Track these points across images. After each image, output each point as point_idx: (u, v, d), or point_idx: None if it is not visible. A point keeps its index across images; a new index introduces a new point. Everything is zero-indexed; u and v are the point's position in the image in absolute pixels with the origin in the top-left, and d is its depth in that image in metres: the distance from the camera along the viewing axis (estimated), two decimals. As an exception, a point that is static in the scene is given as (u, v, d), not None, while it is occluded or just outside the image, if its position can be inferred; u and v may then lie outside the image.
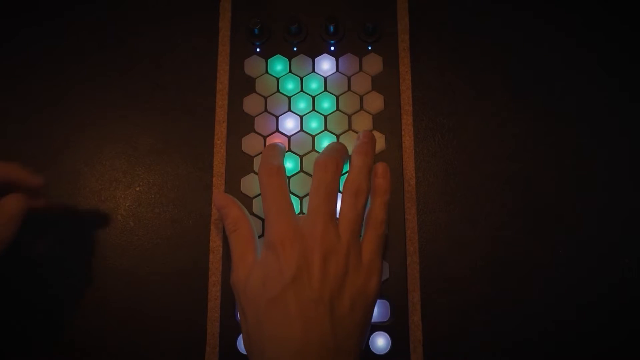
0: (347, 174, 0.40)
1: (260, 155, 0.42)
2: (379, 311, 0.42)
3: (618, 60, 0.48)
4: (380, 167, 0.40)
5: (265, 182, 0.38)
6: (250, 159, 0.44)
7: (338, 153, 0.40)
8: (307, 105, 0.45)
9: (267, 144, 0.44)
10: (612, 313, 0.43)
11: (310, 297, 0.34)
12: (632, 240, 0.44)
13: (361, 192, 0.38)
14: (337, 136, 0.44)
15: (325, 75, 0.46)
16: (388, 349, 0.41)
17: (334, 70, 0.46)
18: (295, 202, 0.43)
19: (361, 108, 0.45)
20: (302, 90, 0.46)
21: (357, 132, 0.45)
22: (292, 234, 0.36)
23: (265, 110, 0.45)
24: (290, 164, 0.44)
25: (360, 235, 0.39)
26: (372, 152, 0.41)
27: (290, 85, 0.46)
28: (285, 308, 0.34)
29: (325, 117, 0.45)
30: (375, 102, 0.45)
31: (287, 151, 0.44)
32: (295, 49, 0.47)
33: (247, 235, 0.38)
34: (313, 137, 0.45)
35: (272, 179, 0.38)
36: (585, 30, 0.48)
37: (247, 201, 0.43)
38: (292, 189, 0.43)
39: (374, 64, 0.46)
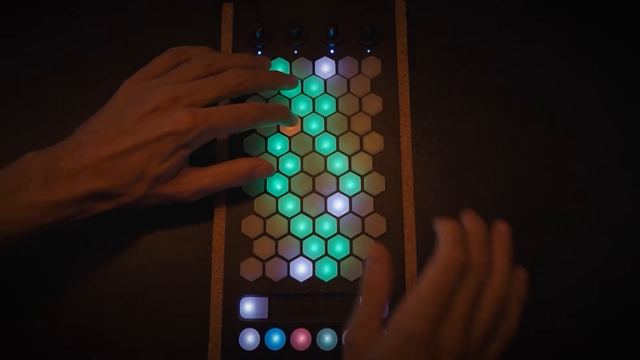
0: (490, 276, 0.36)
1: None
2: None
3: (616, 61, 0.48)
4: (522, 273, 0.37)
5: (449, 259, 0.34)
6: (251, 159, 0.45)
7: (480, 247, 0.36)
8: (307, 106, 0.46)
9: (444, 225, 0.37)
10: (611, 313, 0.43)
11: None
12: (631, 240, 0.44)
13: (503, 301, 0.36)
14: (337, 137, 0.45)
15: (325, 78, 0.47)
16: (387, 346, 0.41)
17: (334, 72, 0.47)
18: (295, 201, 0.44)
19: (360, 110, 0.46)
20: (302, 92, 0.46)
21: (356, 134, 0.45)
22: (431, 336, 0.33)
23: (267, 111, 0.46)
24: (290, 164, 0.45)
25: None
26: (511, 250, 0.37)
27: (290, 88, 0.47)
28: None
29: (325, 118, 0.46)
30: (374, 103, 0.46)
31: (288, 151, 0.45)
32: (295, 52, 0.47)
33: (382, 302, 0.36)
34: (313, 138, 0.45)
35: (455, 267, 0.34)
36: (583, 32, 0.49)
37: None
38: (292, 189, 0.44)
39: (372, 66, 0.47)
